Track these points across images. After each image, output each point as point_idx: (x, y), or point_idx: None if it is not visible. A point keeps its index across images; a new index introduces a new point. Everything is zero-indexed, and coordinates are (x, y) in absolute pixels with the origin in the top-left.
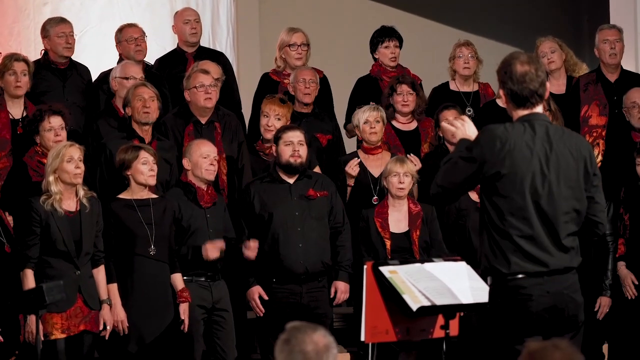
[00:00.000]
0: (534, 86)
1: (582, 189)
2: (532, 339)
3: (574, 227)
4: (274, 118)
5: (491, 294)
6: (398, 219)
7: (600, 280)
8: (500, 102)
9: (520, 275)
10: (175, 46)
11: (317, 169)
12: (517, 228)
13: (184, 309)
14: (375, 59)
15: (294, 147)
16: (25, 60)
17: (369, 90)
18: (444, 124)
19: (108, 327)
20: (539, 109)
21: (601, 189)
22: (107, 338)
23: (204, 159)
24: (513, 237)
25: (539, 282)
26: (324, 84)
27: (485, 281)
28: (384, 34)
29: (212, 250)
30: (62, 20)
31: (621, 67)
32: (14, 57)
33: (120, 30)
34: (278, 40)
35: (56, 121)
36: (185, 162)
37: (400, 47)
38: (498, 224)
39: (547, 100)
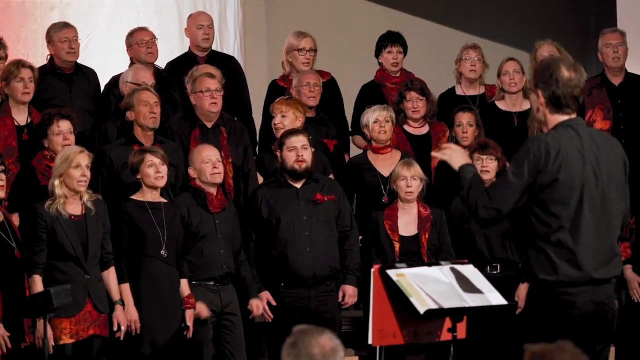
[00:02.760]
0: (577, 92)
1: (625, 191)
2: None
3: (619, 230)
4: (279, 117)
5: (531, 298)
6: (407, 222)
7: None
8: (502, 105)
9: (567, 283)
10: (184, 50)
11: (331, 176)
12: (573, 234)
13: (189, 315)
14: (379, 64)
15: (298, 152)
16: (31, 67)
17: (373, 96)
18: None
19: (122, 328)
20: (574, 115)
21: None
22: (122, 339)
23: (206, 164)
24: (568, 244)
25: (583, 290)
26: (333, 87)
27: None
28: (388, 39)
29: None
30: (66, 25)
31: (625, 70)
32: (21, 64)
33: (131, 34)
34: (286, 43)
35: (65, 125)
36: (190, 170)
37: (405, 53)
38: (553, 231)
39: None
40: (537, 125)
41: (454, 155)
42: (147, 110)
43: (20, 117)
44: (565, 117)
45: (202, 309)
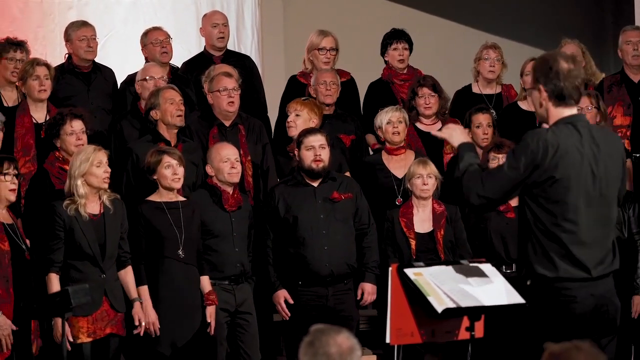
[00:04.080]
0: (578, 82)
1: (623, 186)
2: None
3: (614, 225)
4: (294, 115)
5: (532, 294)
6: (422, 219)
7: (631, 279)
8: (525, 105)
9: (567, 279)
10: (201, 49)
11: (347, 174)
12: (570, 232)
13: (210, 312)
14: (385, 62)
15: (316, 151)
16: (47, 65)
17: (381, 94)
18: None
19: (143, 324)
20: (576, 108)
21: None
22: (142, 334)
23: (224, 163)
24: (564, 242)
25: (584, 285)
26: (352, 87)
27: (524, 282)
28: (394, 36)
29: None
30: (84, 24)
31: None
32: (36, 62)
33: (146, 34)
34: (307, 41)
35: (77, 125)
36: (208, 168)
37: (411, 50)
38: (549, 228)
39: (596, 99)
40: None
41: (454, 134)
42: (174, 108)
43: (39, 114)
44: (567, 111)
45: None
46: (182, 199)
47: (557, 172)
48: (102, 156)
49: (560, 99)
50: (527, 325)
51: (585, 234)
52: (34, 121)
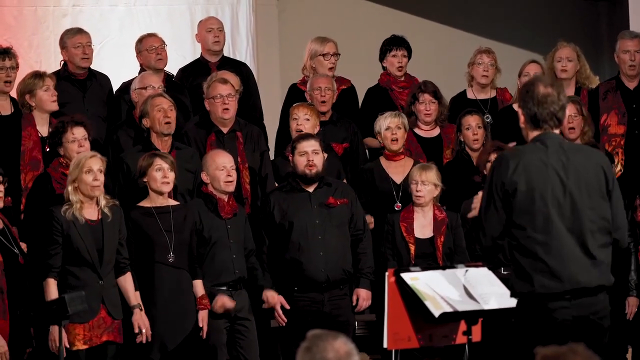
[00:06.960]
0: (554, 108)
1: (605, 197)
2: None
3: (605, 237)
4: (303, 119)
5: (517, 311)
6: (423, 225)
7: (625, 280)
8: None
9: (544, 295)
10: (197, 56)
11: (344, 180)
12: (542, 243)
13: (202, 317)
14: (383, 68)
15: (309, 156)
16: (51, 76)
17: (379, 100)
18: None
19: (143, 331)
20: (555, 132)
21: (619, 205)
22: (144, 342)
23: (220, 171)
24: (539, 254)
25: (564, 305)
26: (352, 94)
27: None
28: (393, 43)
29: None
30: (79, 31)
31: None
32: (43, 74)
33: (141, 40)
34: (308, 49)
35: (79, 132)
36: (204, 176)
37: (409, 57)
38: (522, 242)
39: (579, 105)
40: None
41: None
42: (162, 116)
43: (42, 128)
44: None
45: (226, 300)
46: (173, 203)
47: (520, 185)
48: (93, 163)
49: (534, 123)
50: (512, 339)
51: (560, 244)
52: (40, 135)
